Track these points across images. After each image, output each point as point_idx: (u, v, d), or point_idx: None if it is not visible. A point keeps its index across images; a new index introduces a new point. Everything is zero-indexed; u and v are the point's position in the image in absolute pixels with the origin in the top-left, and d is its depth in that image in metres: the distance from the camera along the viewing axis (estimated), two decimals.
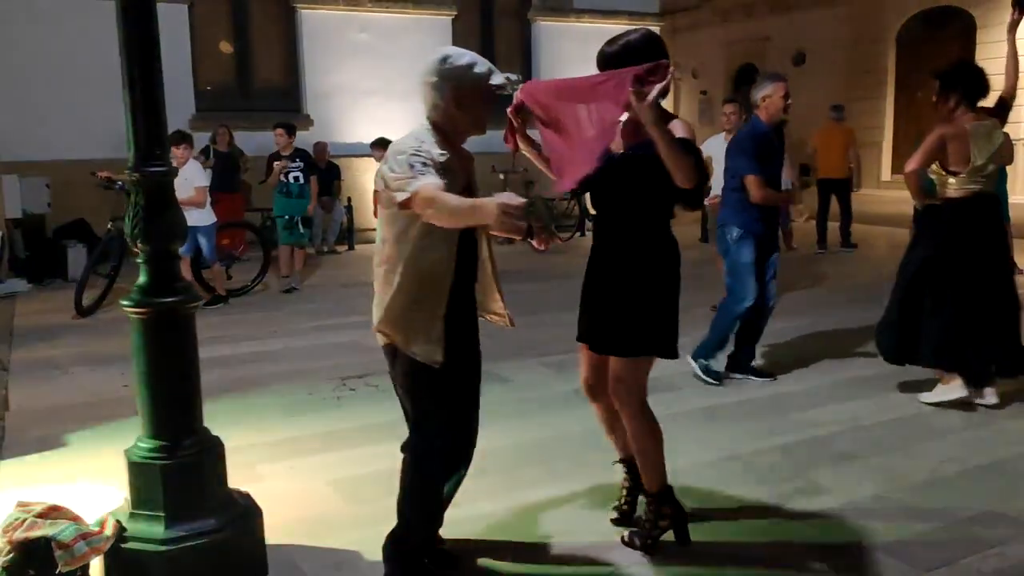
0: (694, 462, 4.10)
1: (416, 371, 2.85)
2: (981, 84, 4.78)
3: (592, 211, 3.33)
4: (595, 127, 2.98)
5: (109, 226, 7.94)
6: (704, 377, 5.39)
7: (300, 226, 9.11)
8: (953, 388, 4.83)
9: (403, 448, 3.05)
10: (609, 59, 3.07)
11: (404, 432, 4.56)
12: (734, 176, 5.36)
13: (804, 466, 4.08)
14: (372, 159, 10.60)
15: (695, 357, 5.44)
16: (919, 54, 19.14)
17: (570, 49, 14.29)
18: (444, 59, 2.76)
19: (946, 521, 3.48)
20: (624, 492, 3.50)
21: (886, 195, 17.00)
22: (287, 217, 9.08)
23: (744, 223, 5.31)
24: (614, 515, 3.49)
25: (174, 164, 6.92)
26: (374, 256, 2.88)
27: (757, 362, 5.68)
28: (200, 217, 7.76)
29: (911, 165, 4.82)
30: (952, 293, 4.79)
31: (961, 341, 4.78)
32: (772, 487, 3.82)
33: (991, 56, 18.49)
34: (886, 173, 19.74)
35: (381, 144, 9.22)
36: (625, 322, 3.15)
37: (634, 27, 3.32)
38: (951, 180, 4.76)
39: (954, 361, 4.82)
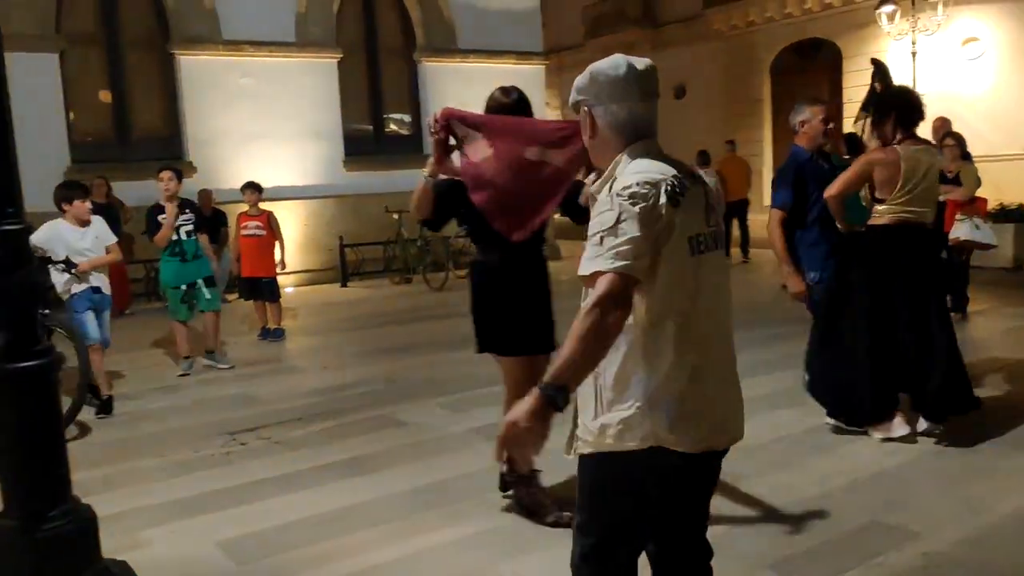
0: None
1: None
2: (915, 108, 4.63)
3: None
4: (548, 179, 3.35)
5: None
6: None
7: (206, 290, 7.36)
8: (897, 425, 4.66)
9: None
10: (510, 108, 3.54)
11: (299, 485, 4.48)
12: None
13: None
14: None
15: None
16: (792, 83, 20.10)
17: (457, 89, 14.39)
18: None
19: (832, 534, 3.57)
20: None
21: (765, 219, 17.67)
22: (184, 288, 7.28)
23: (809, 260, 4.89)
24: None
25: (78, 220, 6.00)
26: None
27: None
28: (105, 282, 6.34)
29: (831, 191, 4.59)
30: (862, 327, 4.63)
31: (849, 382, 4.66)
32: None
33: (856, 84, 19.63)
34: (767, 198, 20.55)
35: (252, 187, 8.81)
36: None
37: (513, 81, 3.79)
38: (877, 207, 4.61)
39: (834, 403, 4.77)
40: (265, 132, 12.82)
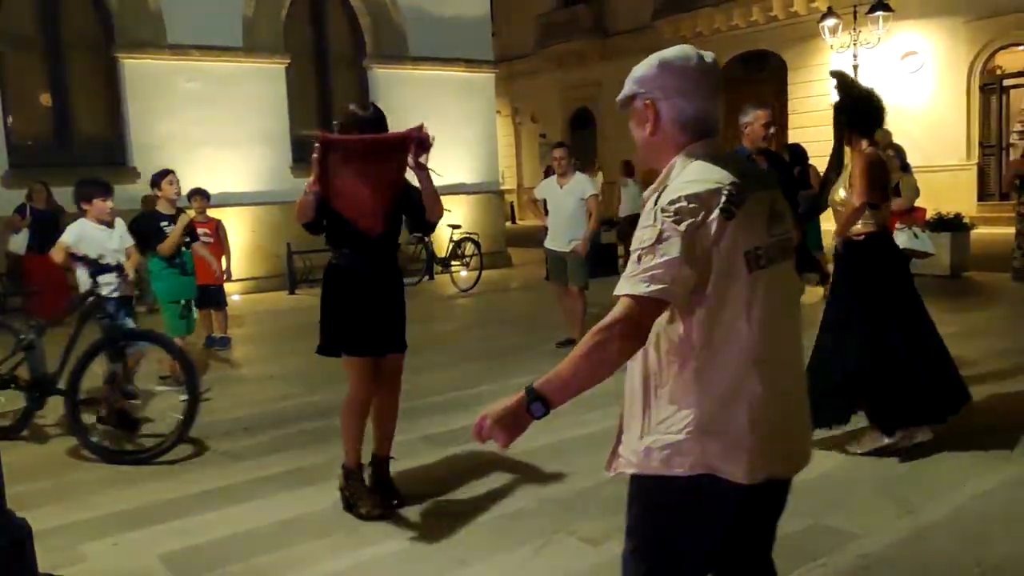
0: (546, 496, 4.13)
1: None
2: (872, 113, 4.60)
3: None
4: (384, 181, 3.90)
5: None
6: None
7: (192, 309, 7.13)
8: (876, 437, 4.65)
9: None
10: (368, 121, 3.95)
11: (243, 496, 4.41)
12: None
13: None
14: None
15: None
16: (740, 93, 20.43)
17: (409, 96, 14.38)
18: None
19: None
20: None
21: None
22: (183, 302, 6.91)
23: None
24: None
25: (100, 219, 5.69)
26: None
27: None
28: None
29: (862, 198, 4.46)
30: (858, 334, 4.57)
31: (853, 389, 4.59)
32: (618, 516, 3.86)
33: (801, 95, 20.06)
34: None
35: (200, 193, 8.64)
36: (402, 324, 4.18)
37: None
38: (873, 213, 4.53)
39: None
40: (211, 138, 12.65)
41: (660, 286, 1.76)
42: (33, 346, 5.61)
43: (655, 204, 1.84)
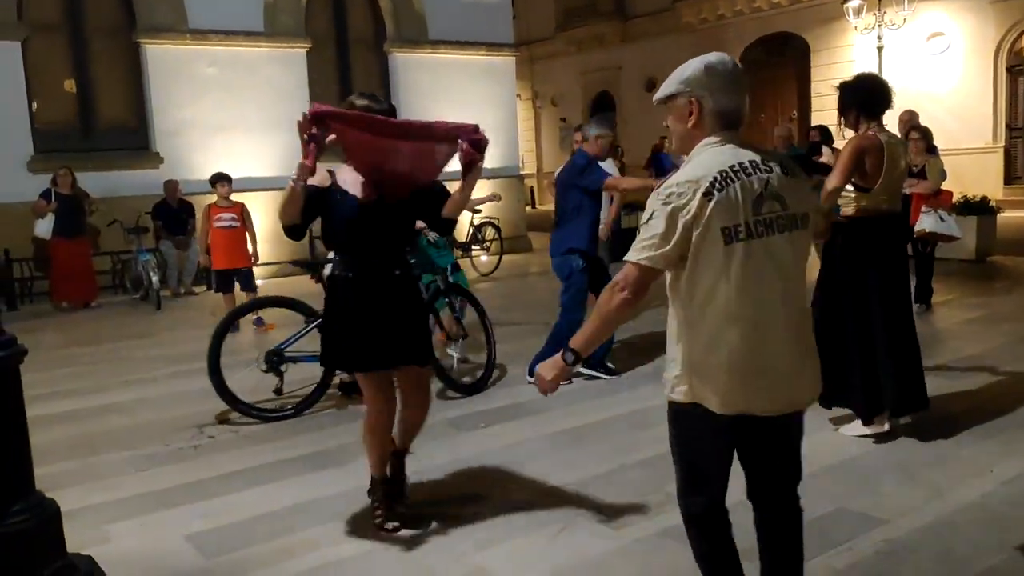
0: (564, 482, 4.14)
1: None
2: (878, 96, 4.54)
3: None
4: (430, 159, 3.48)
5: None
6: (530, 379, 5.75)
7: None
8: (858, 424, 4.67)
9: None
10: (381, 113, 3.49)
11: (265, 478, 4.45)
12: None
13: (664, 479, 4.15)
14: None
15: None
16: (761, 77, 20.27)
17: (428, 80, 14.35)
18: None
19: None
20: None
21: None
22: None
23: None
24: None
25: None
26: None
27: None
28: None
29: (834, 182, 4.42)
30: (850, 321, 4.56)
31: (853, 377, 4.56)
32: (635, 501, 3.88)
33: (824, 78, 19.83)
34: None
35: (225, 178, 8.71)
36: (421, 335, 3.78)
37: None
38: (861, 196, 4.49)
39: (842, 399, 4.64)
40: (233, 122, 12.69)
41: (647, 255, 2.27)
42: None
43: (657, 188, 2.32)
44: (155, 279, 10.40)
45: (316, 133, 3.31)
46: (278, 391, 5.62)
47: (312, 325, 5.43)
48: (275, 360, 5.55)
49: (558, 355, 2.46)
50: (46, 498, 2.86)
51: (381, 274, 3.62)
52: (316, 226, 3.68)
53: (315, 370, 5.46)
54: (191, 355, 7.53)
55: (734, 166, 2.24)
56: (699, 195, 2.20)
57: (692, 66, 2.34)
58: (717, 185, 2.21)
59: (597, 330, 2.41)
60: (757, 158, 2.29)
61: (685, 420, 2.41)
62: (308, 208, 3.50)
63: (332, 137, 3.37)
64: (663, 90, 2.40)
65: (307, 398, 5.59)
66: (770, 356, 2.31)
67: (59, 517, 2.86)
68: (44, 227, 10.49)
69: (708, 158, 2.28)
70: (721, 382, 2.30)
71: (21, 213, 10.59)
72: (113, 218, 11.25)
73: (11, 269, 10.79)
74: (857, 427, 4.67)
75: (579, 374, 5.96)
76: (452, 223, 3.74)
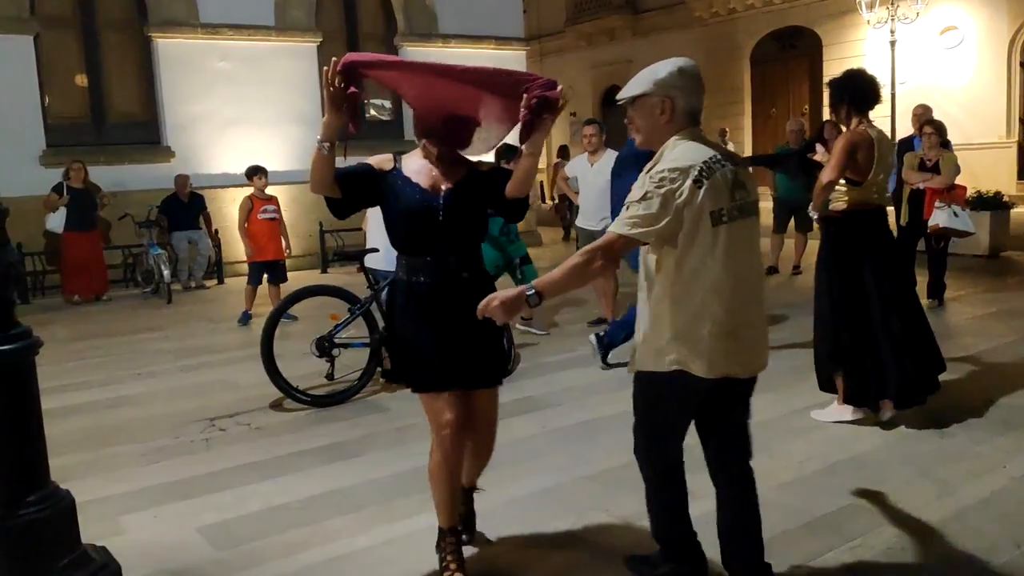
0: (574, 477, 4.14)
1: None
2: (867, 91, 4.60)
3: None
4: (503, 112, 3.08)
5: None
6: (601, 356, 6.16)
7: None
8: (846, 410, 4.75)
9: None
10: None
11: (278, 471, 4.46)
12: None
13: None
14: (237, 189, 10.22)
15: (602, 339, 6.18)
16: (772, 71, 20.18)
17: None
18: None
19: (809, 517, 3.61)
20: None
21: None
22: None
23: None
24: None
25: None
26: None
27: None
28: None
29: (828, 176, 4.52)
30: (850, 312, 4.64)
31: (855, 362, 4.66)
32: (636, 499, 3.86)
33: (836, 72, 19.70)
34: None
35: (261, 171, 8.62)
36: (497, 351, 3.28)
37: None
38: (852, 190, 4.56)
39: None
40: (244, 117, 12.70)
41: (638, 230, 2.51)
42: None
43: (647, 172, 2.56)
44: (166, 273, 10.45)
45: (338, 88, 2.90)
46: (330, 376, 5.79)
47: (357, 312, 5.66)
48: (326, 346, 5.68)
49: (522, 290, 2.55)
50: (61, 489, 2.88)
51: (450, 278, 3.09)
52: (358, 219, 3.35)
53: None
54: (202, 348, 7.60)
55: (711, 158, 2.54)
56: (689, 181, 2.48)
57: (665, 69, 2.61)
58: (704, 174, 2.50)
59: (566, 283, 2.60)
60: (717, 153, 2.59)
61: (666, 387, 2.66)
62: (354, 186, 3.10)
63: (353, 90, 2.95)
64: (632, 90, 2.64)
65: (354, 385, 5.77)
66: (747, 324, 2.64)
67: (74, 508, 2.88)
68: (56, 221, 10.53)
69: (689, 150, 2.56)
70: (707, 348, 2.57)
71: (33, 207, 10.62)
72: (124, 212, 11.31)
73: (23, 263, 10.85)
74: (833, 411, 4.77)
75: (608, 366, 6.16)
76: (524, 205, 3.16)
